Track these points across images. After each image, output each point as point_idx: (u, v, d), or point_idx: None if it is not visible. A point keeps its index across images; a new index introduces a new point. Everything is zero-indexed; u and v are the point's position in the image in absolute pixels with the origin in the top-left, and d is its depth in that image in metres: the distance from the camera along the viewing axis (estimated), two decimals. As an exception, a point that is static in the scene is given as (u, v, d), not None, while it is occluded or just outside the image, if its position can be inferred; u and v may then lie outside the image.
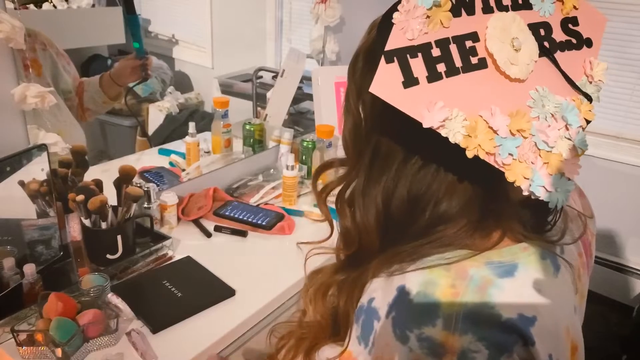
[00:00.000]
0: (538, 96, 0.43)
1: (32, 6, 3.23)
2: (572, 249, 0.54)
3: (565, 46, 0.48)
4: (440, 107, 0.40)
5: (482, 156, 0.40)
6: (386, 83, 0.40)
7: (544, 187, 0.41)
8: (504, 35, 0.43)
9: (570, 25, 0.49)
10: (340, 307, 0.55)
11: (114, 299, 0.97)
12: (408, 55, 0.41)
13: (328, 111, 1.66)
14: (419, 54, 0.41)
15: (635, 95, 2.20)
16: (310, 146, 1.59)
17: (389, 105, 0.47)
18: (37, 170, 1.01)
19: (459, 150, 0.42)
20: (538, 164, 0.41)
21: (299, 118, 2.18)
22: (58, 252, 1.07)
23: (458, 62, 0.42)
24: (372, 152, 0.50)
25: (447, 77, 0.42)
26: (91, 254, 1.08)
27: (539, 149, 0.41)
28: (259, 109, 2.03)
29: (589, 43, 0.49)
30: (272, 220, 1.34)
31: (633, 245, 2.34)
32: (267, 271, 1.16)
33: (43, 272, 0.99)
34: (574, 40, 0.49)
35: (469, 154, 0.40)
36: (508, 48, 0.43)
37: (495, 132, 0.40)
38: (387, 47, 0.41)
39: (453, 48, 0.42)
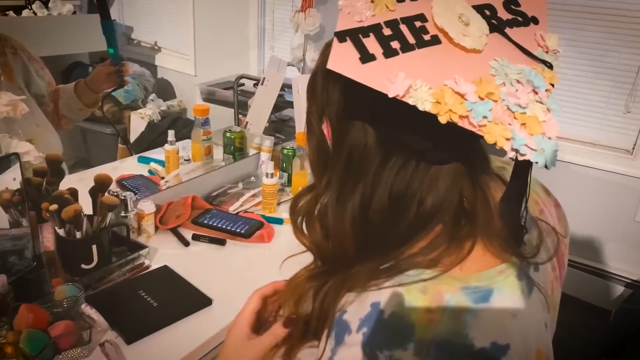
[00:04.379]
0: (499, 65, 0.43)
1: (12, 13, 3.18)
2: (547, 265, 0.54)
3: (513, 23, 0.49)
4: (403, 78, 0.40)
5: (456, 120, 0.39)
6: (343, 60, 0.40)
7: (527, 146, 0.40)
8: (449, 13, 0.44)
9: (512, 6, 0.50)
10: (316, 311, 0.54)
11: (87, 309, 0.96)
12: (360, 35, 0.41)
13: (308, 119, 1.67)
14: (371, 34, 0.41)
15: (610, 102, 2.25)
16: (290, 154, 1.59)
17: (359, 110, 0.47)
18: (9, 179, 0.99)
19: (437, 138, 0.43)
20: (515, 125, 0.41)
21: (281, 125, 2.19)
22: (31, 263, 1.05)
23: (411, 40, 0.42)
24: (345, 163, 0.49)
25: (402, 52, 0.42)
26: (65, 264, 1.06)
27: (513, 112, 0.41)
28: (240, 116, 2.02)
29: (535, 20, 0.50)
30: (252, 229, 1.33)
31: (610, 250, 2.38)
32: (245, 280, 1.16)
33: (15, 283, 0.98)
34: (519, 18, 0.50)
35: (442, 120, 0.39)
36: (457, 23, 0.44)
37: (463, 97, 0.40)
38: (338, 29, 0.41)
39: (403, 27, 0.43)
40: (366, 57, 0.40)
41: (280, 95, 1.87)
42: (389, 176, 0.47)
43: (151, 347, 0.94)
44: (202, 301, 1.06)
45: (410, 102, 0.39)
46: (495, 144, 0.40)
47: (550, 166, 0.40)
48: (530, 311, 0.47)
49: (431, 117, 0.41)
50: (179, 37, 3.37)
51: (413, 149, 0.46)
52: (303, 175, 1.52)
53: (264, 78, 1.80)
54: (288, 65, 1.88)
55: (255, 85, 2.09)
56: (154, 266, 1.18)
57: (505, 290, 0.46)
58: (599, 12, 2.16)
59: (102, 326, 0.95)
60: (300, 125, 1.69)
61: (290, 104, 2.01)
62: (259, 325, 0.65)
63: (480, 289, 0.45)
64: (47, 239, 1.05)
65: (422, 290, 0.45)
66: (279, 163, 1.63)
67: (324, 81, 0.50)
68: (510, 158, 0.42)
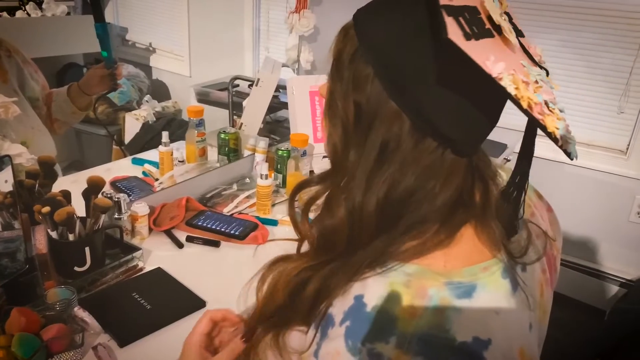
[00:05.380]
0: (527, 65, 0.46)
1: (5, 14, 3.17)
2: (536, 266, 0.54)
3: (517, 32, 0.52)
4: (493, 61, 0.42)
5: (532, 106, 0.42)
6: (457, 33, 0.42)
7: (566, 136, 0.43)
8: (496, 10, 0.47)
9: (509, 18, 0.53)
10: (309, 298, 0.52)
11: (80, 312, 0.95)
12: (457, 13, 0.43)
13: (303, 120, 1.66)
14: (460, 15, 0.43)
15: (604, 103, 2.25)
16: (285, 155, 1.59)
17: (395, 97, 0.46)
18: (1, 181, 0.98)
19: (467, 129, 0.46)
20: (554, 118, 0.44)
21: (276, 127, 2.19)
22: (23, 265, 1.04)
23: (481, 28, 0.45)
24: (378, 149, 0.48)
25: (480, 38, 0.44)
26: (58, 266, 1.06)
27: (549, 107, 0.44)
28: (235, 117, 2.02)
29: (523, 34, 0.54)
30: (246, 230, 1.33)
31: (605, 249, 2.39)
32: (239, 282, 1.14)
33: (7, 286, 0.97)
34: (518, 28, 0.53)
35: (524, 104, 0.42)
36: (502, 20, 0.47)
37: (527, 86, 0.43)
38: (442, 3, 0.42)
39: (472, 15, 0.45)
40: (466, 35, 0.42)
41: (274, 97, 1.87)
42: (416, 161, 0.47)
43: (144, 350, 0.94)
44: (195, 303, 1.05)
45: (502, 84, 0.41)
46: (551, 133, 0.43)
47: (576, 158, 0.46)
48: (514, 310, 0.48)
49: (465, 105, 0.44)
50: (173, 38, 3.36)
51: (445, 137, 0.46)
52: (298, 177, 1.52)
53: (258, 79, 1.79)
54: (283, 67, 1.88)
55: (250, 86, 2.09)
56: (147, 268, 1.17)
57: (488, 287, 0.46)
58: (592, 12, 2.17)
59: (95, 329, 0.95)
60: (295, 127, 1.69)
61: (285, 105, 2.01)
62: (213, 348, 0.66)
63: (463, 285, 0.46)
64: (40, 241, 1.04)
65: (406, 284, 0.45)
66: (273, 164, 1.62)
67: (351, 63, 0.49)
68: (505, 159, 0.43)
